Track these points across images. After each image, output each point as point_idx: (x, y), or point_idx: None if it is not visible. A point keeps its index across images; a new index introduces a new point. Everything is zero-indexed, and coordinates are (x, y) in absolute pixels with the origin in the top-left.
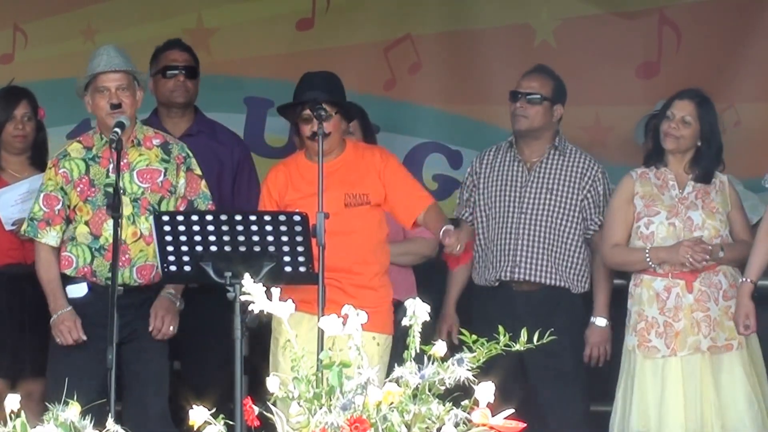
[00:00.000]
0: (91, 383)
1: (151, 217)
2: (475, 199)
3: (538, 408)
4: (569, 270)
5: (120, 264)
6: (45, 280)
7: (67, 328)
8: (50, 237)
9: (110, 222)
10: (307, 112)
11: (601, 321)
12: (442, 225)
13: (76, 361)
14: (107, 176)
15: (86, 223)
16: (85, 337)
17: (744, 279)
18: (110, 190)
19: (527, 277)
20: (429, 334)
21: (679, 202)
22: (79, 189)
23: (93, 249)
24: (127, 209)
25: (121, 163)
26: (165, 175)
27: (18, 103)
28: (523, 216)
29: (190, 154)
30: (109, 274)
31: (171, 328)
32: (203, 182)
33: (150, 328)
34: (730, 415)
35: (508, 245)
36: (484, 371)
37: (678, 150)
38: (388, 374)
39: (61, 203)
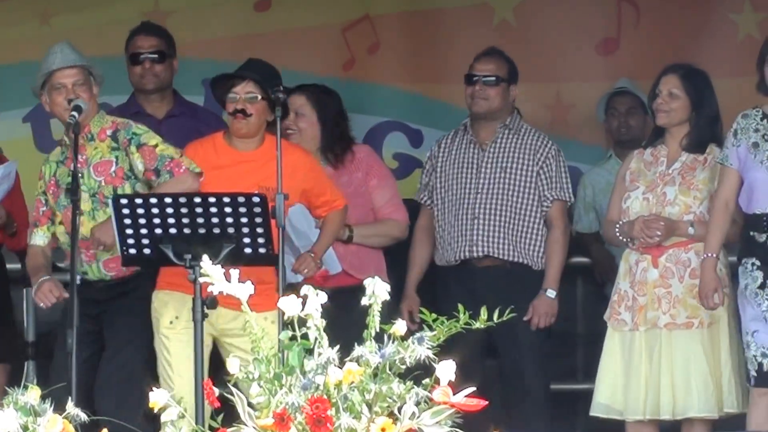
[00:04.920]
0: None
1: (109, 209)
2: (433, 183)
3: (502, 381)
4: (529, 247)
5: (87, 259)
6: (29, 267)
7: (47, 288)
8: (37, 237)
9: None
10: (235, 89)
11: (551, 292)
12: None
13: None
14: (68, 175)
15: (61, 223)
16: (67, 295)
17: (706, 254)
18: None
19: (486, 252)
20: (392, 314)
21: (659, 178)
22: (51, 191)
23: (67, 246)
24: (86, 205)
25: (81, 160)
26: (117, 163)
27: None
28: (479, 196)
29: (138, 132)
30: (82, 268)
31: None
32: (158, 147)
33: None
34: (682, 395)
35: (465, 225)
36: (454, 348)
37: (670, 124)
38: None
39: (45, 205)
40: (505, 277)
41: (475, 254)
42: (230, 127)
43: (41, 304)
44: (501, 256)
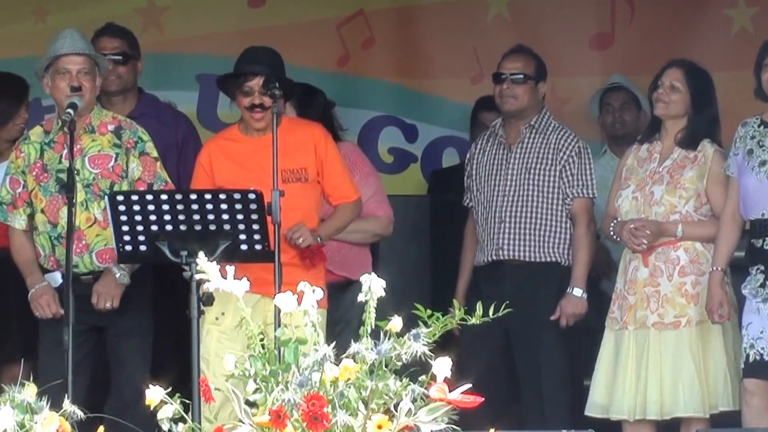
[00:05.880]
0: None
1: (104, 202)
2: (470, 185)
3: (518, 380)
4: (556, 246)
5: (78, 251)
6: (19, 261)
7: (45, 302)
8: (17, 220)
9: (65, 208)
10: (249, 84)
11: (577, 291)
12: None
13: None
14: (59, 162)
15: (42, 211)
16: (62, 311)
17: (713, 268)
18: (62, 175)
19: (510, 257)
20: (387, 311)
21: (649, 176)
22: (34, 174)
23: (52, 237)
24: (80, 195)
25: (75, 149)
26: (116, 160)
27: (27, 92)
28: (505, 198)
29: (144, 138)
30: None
31: (108, 304)
32: (158, 164)
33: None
34: (669, 395)
35: (494, 227)
36: (466, 348)
37: (668, 115)
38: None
39: (21, 186)
40: (533, 276)
41: (501, 257)
42: (247, 120)
43: (37, 314)
44: (526, 260)
